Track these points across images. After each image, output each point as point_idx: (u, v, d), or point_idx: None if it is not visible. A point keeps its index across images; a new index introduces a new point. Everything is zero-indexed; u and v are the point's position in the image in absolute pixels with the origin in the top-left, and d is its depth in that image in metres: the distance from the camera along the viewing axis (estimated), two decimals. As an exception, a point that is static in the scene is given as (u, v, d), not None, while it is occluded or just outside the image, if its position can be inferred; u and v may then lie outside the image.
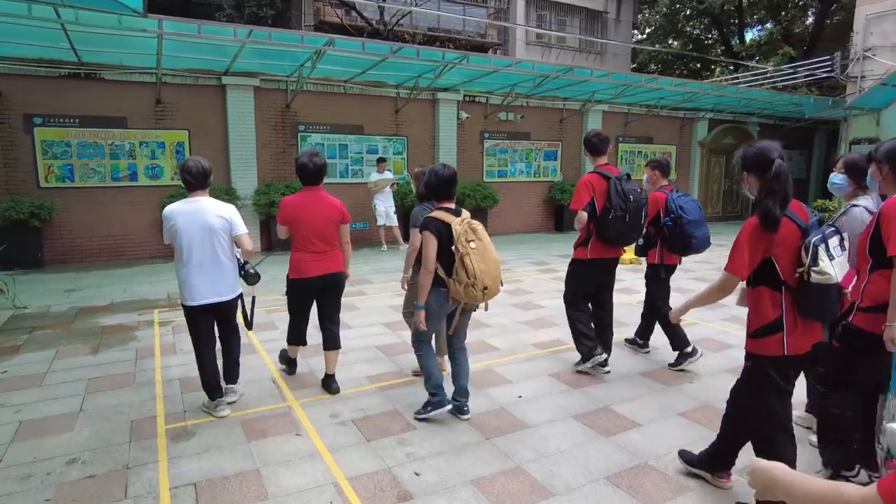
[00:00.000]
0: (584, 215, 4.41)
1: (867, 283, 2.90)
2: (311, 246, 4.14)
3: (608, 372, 4.78)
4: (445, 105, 13.02)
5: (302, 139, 11.79)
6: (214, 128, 10.94)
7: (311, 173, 4.13)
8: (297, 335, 4.51)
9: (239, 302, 4.08)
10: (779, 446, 2.77)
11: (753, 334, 2.70)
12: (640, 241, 4.87)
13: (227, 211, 3.84)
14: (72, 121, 9.89)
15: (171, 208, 3.76)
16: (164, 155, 10.65)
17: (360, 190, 12.24)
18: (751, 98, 15.17)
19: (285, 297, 4.45)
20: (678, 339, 4.93)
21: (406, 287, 4.51)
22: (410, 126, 12.92)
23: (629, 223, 4.35)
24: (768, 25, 28.26)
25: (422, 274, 3.58)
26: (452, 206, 3.67)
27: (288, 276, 4.32)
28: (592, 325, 4.76)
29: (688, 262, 8.21)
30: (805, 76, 18.21)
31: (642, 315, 5.41)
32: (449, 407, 3.86)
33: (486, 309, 3.83)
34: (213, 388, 3.99)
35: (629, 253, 10.31)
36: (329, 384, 4.39)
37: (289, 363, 4.75)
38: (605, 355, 4.74)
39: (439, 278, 3.57)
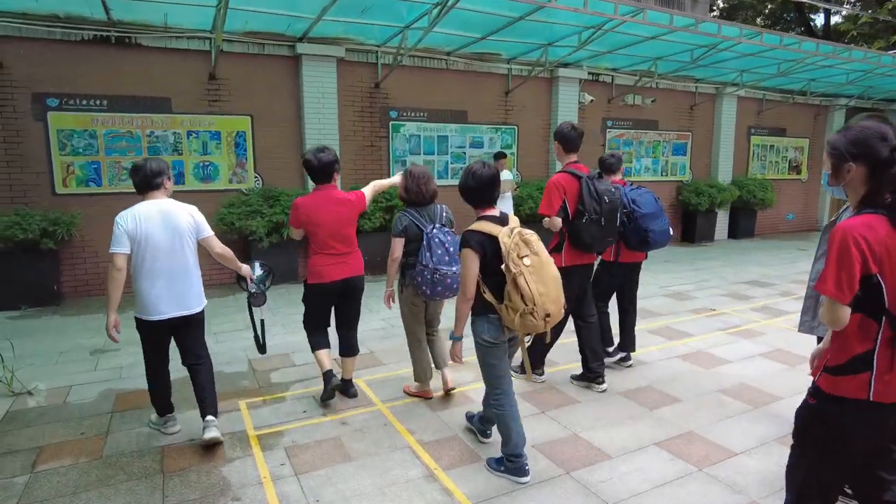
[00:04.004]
0: (557, 221, 4.07)
1: None
2: (330, 249, 3.84)
3: (604, 390, 4.36)
4: (566, 85, 10.20)
5: (394, 129, 9.03)
6: (285, 113, 8.22)
7: (317, 170, 3.79)
8: (320, 341, 4.09)
9: (252, 323, 3.95)
10: None
11: (832, 369, 2.06)
12: None
13: (192, 211, 3.45)
14: (98, 102, 7.23)
15: (130, 213, 3.28)
16: (220, 149, 7.95)
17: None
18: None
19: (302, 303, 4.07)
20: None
21: (391, 304, 4.09)
22: (521, 112, 10.12)
23: (605, 227, 4.03)
24: (844, 8, 25.11)
25: (458, 300, 2.98)
26: (496, 213, 3.01)
27: (306, 282, 3.98)
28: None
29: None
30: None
31: (620, 324, 4.92)
32: (527, 479, 3.04)
33: (547, 341, 3.53)
34: (164, 405, 3.61)
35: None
36: (346, 389, 4.15)
37: (328, 381, 4.03)
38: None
39: (487, 303, 2.91)
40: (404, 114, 9.06)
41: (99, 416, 3.92)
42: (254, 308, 3.84)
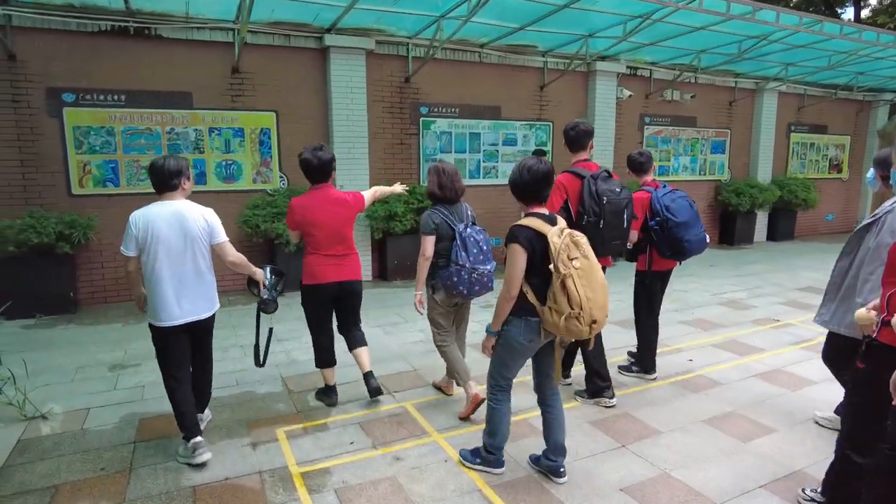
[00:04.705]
0: None
1: None
2: (326, 250, 3.76)
3: (613, 406, 4.04)
4: (603, 79, 9.67)
5: (424, 125, 8.56)
6: (311, 109, 7.77)
7: (316, 169, 3.70)
8: (325, 355, 3.96)
9: (257, 332, 3.67)
10: None
11: None
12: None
13: (206, 214, 3.30)
14: (116, 97, 6.82)
15: (142, 213, 3.17)
16: (244, 147, 7.51)
17: (496, 194, 9.00)
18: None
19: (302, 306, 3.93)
20: (648, 362, 4.54)
21: (422, 309, 3.85)
22: (557, 108, 9.60)
23: (605, 229, 3.68)
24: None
25: (501, 297, 2.85)
26: (545, 211, 2.89)
27: (301, 283, 3.85)
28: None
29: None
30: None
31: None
32: (502, 470, 3.14)
33: (590, 347, 3.07)
34: (191, 426, 3.26)
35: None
36: (368, 383, 3.92)
37: (327, 393, 4.05)
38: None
39: (528, 305, 2.78)
40: (435, 110, 8.58)
41: (121, 447, 3.48)
42: (263, 316, 3.63)
